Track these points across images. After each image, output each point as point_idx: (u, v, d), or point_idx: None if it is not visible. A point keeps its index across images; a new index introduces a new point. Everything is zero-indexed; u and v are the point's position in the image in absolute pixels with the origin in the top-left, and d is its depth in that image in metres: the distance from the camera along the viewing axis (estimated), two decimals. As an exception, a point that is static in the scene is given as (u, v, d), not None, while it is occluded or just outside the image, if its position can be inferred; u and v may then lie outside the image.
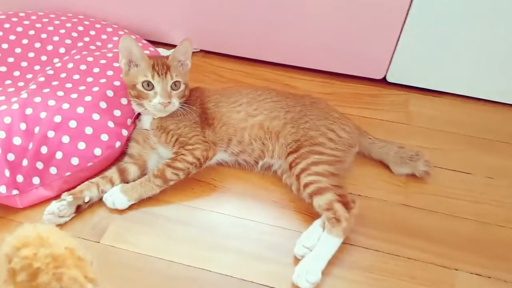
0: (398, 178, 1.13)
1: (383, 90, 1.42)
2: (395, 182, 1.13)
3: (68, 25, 1.34)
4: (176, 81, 1.04)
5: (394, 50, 1.33)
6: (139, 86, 1.03)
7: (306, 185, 0.98)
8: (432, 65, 1.35)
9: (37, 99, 1.05)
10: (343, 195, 0.97)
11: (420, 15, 1.25)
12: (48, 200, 1.01)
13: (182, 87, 1.06)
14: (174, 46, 1.50)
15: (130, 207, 1.02)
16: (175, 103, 1.04)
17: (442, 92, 1.41)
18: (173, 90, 1.04)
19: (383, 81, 1.43)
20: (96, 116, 1.05)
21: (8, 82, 1.17)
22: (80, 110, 1.04)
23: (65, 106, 1.04)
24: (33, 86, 1.09)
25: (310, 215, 1.02)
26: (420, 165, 1.11)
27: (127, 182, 1.05)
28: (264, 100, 1.13)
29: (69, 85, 1.11)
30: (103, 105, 1.07)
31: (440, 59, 1.33)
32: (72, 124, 1.02)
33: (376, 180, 1.13)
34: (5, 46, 1.24)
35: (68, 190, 1.02)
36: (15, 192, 0.98)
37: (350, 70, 1.43)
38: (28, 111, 1.02)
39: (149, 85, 1.02)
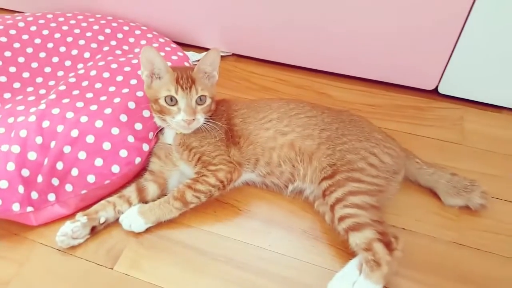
0: (450, 210, 0.99)
1: (433, 102, 1.26)
2: (446, 215, 0.98)
3: (96, 27, 1.29)
4: (202, 95, 0.95)
5: (449, 58, 1.17)
6: (162, 101, 0.94)
7: (342, 219, 0.87)
8: (491, 77, 1.18)
9: (55, 111, 0.99)
10: (385, 232, 0.84)
11: (479, 23, 1.09)
12: (64, 218, 0.96)
13: (208, 101, 0.97)
14: (205, 49, 1.42)
15: (147, 230, 0.95)
16: (200, 120, 0.95)
17: (502, 107, 1.23)
18: (198, 105, 0.95)
19: (434, 92, 1.27)
20: (115, 131, 0.97)
21: (29, 89, 1.12)
22: (99, 124, 0.97)
23: (83, 119, 0.97)
24: (53, 96, 1.03)
25: (345, 250, 0.91)
26: (475, 197, 0.96)
27: (146, 202, 0.97)
28: (296, 115, 1.01)
29: (89, 95, 1.05)
30: (123, 118, 1.00)
31: (500, 70, 1.16)
32: (90, 139, 0.95)
33: (423, 212, 0.99)
34: (29, 50, 1.19)
35: (85, 207, 0.97)
36: (29, 209, 0.93)
37: (395, 79, 1.28)
38: (45, 124, 0.96)
39: (172, 100, 0.93)
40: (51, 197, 0.95)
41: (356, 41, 1.22)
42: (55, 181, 0.95)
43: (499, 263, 0.90)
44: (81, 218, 0.92)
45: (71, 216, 0.96)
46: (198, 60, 1.36)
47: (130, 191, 0.98)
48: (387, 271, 0.81)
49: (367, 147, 0.95)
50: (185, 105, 0.93)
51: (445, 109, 1.24)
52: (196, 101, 0.94)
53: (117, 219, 0.95)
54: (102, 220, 0.93)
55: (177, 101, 0.93)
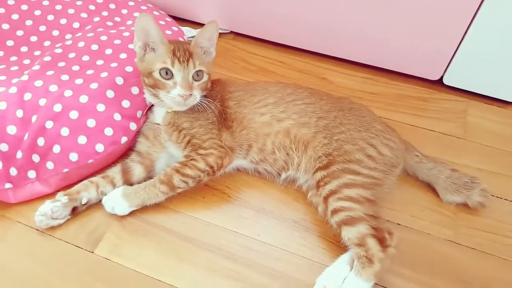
0: (447, 207, 0.95)
1: (437, 93, 1.21)
2: (443, 211, 0.95)
3: (87, -4, 1.21)
4: (199, 70, 0.89)
5: (457, 49, 1.11)
6: (156, 74, 0.88)
7: (335, 212, 0.83)
8: (498, 70, 1.13)
9: (38, 83, 0.93)
10: (379, 228, 0.81)
11: (490, 15, 1.03)
12: (44, 197, 0.92)
13: (205, 77, 0.91)
14: (202, 25, 1.35)
15: (131, 214, 0.91)
16: (197, 96, 0.89)
17: (508, 102, 1.19)
18: (195, 80, 0.89)
19: (439, 83, 1.22)
20: (101, 107, 0.92)
21: (13, 58, 1.06)
22: (84, 99, 0.91)
23: (68, 93, 0.91)
24: (37, 67, 0.97)
25: (336, 243, 0.87)
26: (475, 195, 0.92)
27: (131, 184, 0.93)
28: (293, 101, 0.96)
29: (76, 68, 0.98)
30: (110, 94, 0.94)
31: (508, 64, 1.10)
32: (73, 115, 0.90)
33: (420, 207, 0.95)
34: (15, 16, 1.13)
35: (67, 187, 0.92)
36: (8, 185, 0.88)
37: (400, 67, 1.23)
38: (27, 96, 0.91)
39: (167, 73, 0.87)
40: (31, 174, 0.90)
41: (361, 25, 1.16)
42: (36, 158, 0.90)
43: (494, 265, 0.87)
44: (61, 197, 0.87)
45: (51, 195, 0.91)
46: (194, 36, 1.30)
47: (115, 172, 0.93)
48: (379, 268, 0.78)
49: (366, 137, 0.90)
50: (181, 79, 0.87)
51: (449, 101, 1.19)
52: (193, 76, 0.88)
53: (100, 201, 0.91)
54: (84, 201, 0.89)
55: (173, 74, 0.87)
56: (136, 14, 1.20)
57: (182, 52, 0.88)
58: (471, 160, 1.05)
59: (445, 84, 1.21)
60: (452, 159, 1.04)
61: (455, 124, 1.13)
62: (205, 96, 0.93)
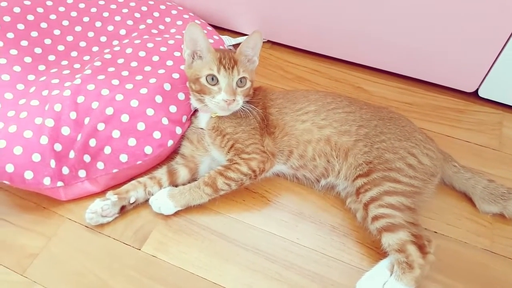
0: (484, 217, 0.96)
1: (472, 105, 1.22)
2: (480, 221, 0.96)
3: (132, 4, 1.26)
4: (243, 77, 0.93)
5: (494, 62, 1.13)
6: (203, 80, 0.92)
7: (376, 218, 0.85)
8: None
9: (91, 87, 0.98)
10: (419, 235, 0.82)
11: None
12: (93, 196, 0.96)
13: (248, 84, 0.95)
14: (240, 34, 1.40)
15: (176, 213, 0.94)
16: (240, 102, 0.93)
17: (543, 116, 1.19)
18: (239, 87, 0.93)
19: (474, 95, 1.23)
20: (150, 111, 0.96)
21: (64, 63, 1.11)
22: (134, 103, 0.96)
23: (119, 97, 0.96)
24: (88, 71, 1.02)
25: (375, 249, 0.89)
26: (511, 206, 0.93)
27: (176, 185, 0.97)
28: (334, 109, 0.98)
29: (125, 73, 1.03)
30: (158, 99, 0.98)
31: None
32: (125, 118, 0.94)
33: (456, 216, 0.97)
34: (65, 23, 1.18)
35: (115, 187, 0.97)
36: (59, 184, 0.92)
37: (436, 79, 1.24)
38: (80, 99, 0.95)
39: (213, 79, 0.92)
40: (82, 173, 0.95)
41: (397, 35, 1.18)
42: (87, 158, 0.94)
43: (531, 275, 0.88)
44: (111, 196, 0.92)
45: (99, 194, 0.96)
46: (233, 45, 1.35)
47: (161, 173, 0.97)
48: (419, 274, 0.79)
49: (406, 147, 0.92)
50: (226, 85, 0.91)
51: (484, 113, 1.20)
52: (237, 82, 0.93)
53: (147, 200, 0.95)
54: (132, 200, 0.93)
55: (218, 80, 0.92)
56: (179, 22, 1.25)
57: (227, 60, 0.92)
58: (506, 171, 1.06)
59: (480, 97, 1.22)
60: (488, 170, 1.05)
61: (490, 136, 1.14)
62: (247, 102, 0.96)
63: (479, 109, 1.21)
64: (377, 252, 0.88)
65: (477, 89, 1.21)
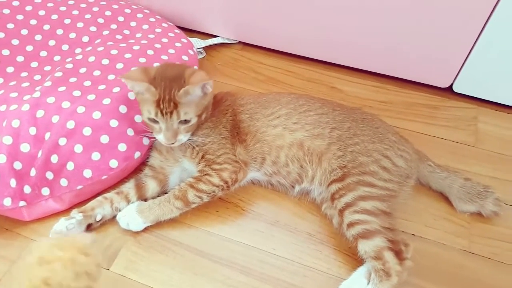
0: (461, 217, 0.95)
1: (447, 101, 1.21)
2: (458, 221, 0.94)
3: (95, 9, 1.21)
4: (185, 119, 0.86)
5: (467, 56, 1.11)
6: (145, 119, 0.88)
7: (351, 225, 0.82)
8: (508, 77, 1.12)
9: (51, 100, 0.93)
10: (395, 241, 0.80)
11: (501, 22, 1.02)
12: (58, 214, 0.92)
13: (194, 121, 0.87)
14: (210, 35, 1.36)
15: (146, 229, 0.90)
16: (183, 139, 0.88)
17: (520, 109, 1.18)
18: (182, 124, 0.87)
19: (449, 91, 1.21)
20: (114, 123, 0.92)
21: (24, 74, 1.06)
22: (97, 115, 0.91)
23: (80, 109, 0.91)
24: (48, 83, 0.97)
25: (353, 256, 0.87)
26: (488, 204, 0.92)
27: (145, 199, 0.93)
28: (306, 112, 0.96)
29: (87, 83, 0.98)
30: (123, 109, 0.94)
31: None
32: (87, 131, 0.90)
33: (434, 217, 0.95)
34: (24, 32, 1.12)
35: (81, 203, 0.92)
36: (22, 203, 0.88)
37: (410, 75, 1.23)
38: (39, 113, 0.91)
39: (154, 120, 0.86)
40: (45, 191, 0.90)
41: (370, 33, 1.16)
42: (49, 175, 0.90)
43: (509, 274, 0.86)
44: (76, 215, 0.87)
45: (65, 211, 0.92)
46: (203, 48, 1.31)
47: (129, 187, 0.93)
48: (397, 281, 0.78)
49: (380, 149, 0.90)
50: (164, 129, 0.86)
51: (459, 108, 1.19)
52: (178, 123, 0.86)
53: (114, 217, 0.91)
54: (98, 218, 0.89)
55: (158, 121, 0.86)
56: (145, 27, 1.21)
57: (167, 103, 0.83)
58: (483, 168, 1.05)
59: (455, 92, 1.20)
60: (464, 168, 1.03)
61: (466, 132, 1.13)
62: (214, 111, 0.93)
63: (454, 104, 1.20)
64: (355, 259, 0.86)
65: (452, 84, 1.19)
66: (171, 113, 0.84)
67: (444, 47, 1.11)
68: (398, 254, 0.79)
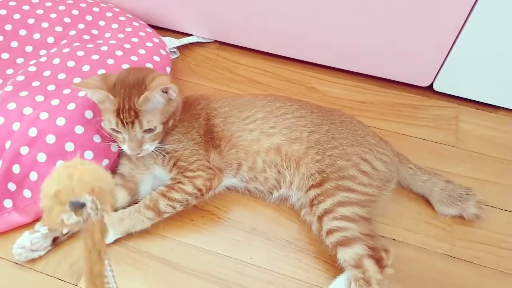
0: (443, 220, 0.93)
1: (427, 100, 1.19)
2: (439, 224, 0.93)
3: (61, 8, 1.15)
4: (148, 129, 0.82)
5: (448, 54, 1.09)
6: (107, 129, 0.83)
7: (330, 232, 0.80)
8: (488, 75, 1.11)
9: (11, 106, 0.87)
10: (376, 248, 0.78)
11: (480, 20, 1.00)
12: (23, 227, 0.86)
13: (159, 129, 0.83)
14: (185, 34, 1.31)
15: (116, 241, 0.86)
16: (150, 148, 0.84)
17: (498, 107, 1.17)
18: (147, 133, 0.82)
19: (429, 90, 1.19)
20: (79, 129, 0.87)
21: (-17, 78, 0.99)
22: (61, 121, 0.86)
23: (43, 116, 0.86)
24: (9, 88, 0.91)
25: (332, 264, 0.84)
26: (470, 207, 0.90)
27: (115, 210, 0.88)
28: (283, 115, 0.92)
29: (51, 87, 0.93)
30: (89, 114, 0.89)
31: (498, 69, 1.08)
32: (50, 139, 0.85)
33: (415, 221, 0.93)
34: (-16, 33, 1.06)
35: (46, 215, 0.87)
36: (-18, 217, 0.82)
37: (390, 74, 1.20)
38: (-1, 121, 0.85)
39: (116, 130, 0.82)
40: (8, 203, 0.85)
41: (349, 32, 1.13)
42: (12, 186, 0.84)
43: (491, 277, 0.85)
44: (41, 228, 0.82)
45: (31, 224, 0.86)
46: (177, 47, 1.26)
47: (97, 198, 0.88)
48: (378, 291, 0.75)
49: (359, 152, 0.87)
50: (128, 140, 0.81)
51: (440, 107, 1.17)
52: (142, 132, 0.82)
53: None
54: (65, 231, 0.84)
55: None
56: (114, 26, 1.15)
57: (127, 112, 0.79)
58: (464, 168, 1.03)
59: (435, 91, 1.18)
60: (445, 169, 1.01)
61: (447, 131, 1.11)
62: (184, 114, 0.89)
63: (435, 103, 1.18)
64: (335, 267, 0.83)
65: (432, 83, 1.17)
66: (133, 122, 0.79)
67: (424, 46, 1.08)
68: (379, 262, 0.77)
